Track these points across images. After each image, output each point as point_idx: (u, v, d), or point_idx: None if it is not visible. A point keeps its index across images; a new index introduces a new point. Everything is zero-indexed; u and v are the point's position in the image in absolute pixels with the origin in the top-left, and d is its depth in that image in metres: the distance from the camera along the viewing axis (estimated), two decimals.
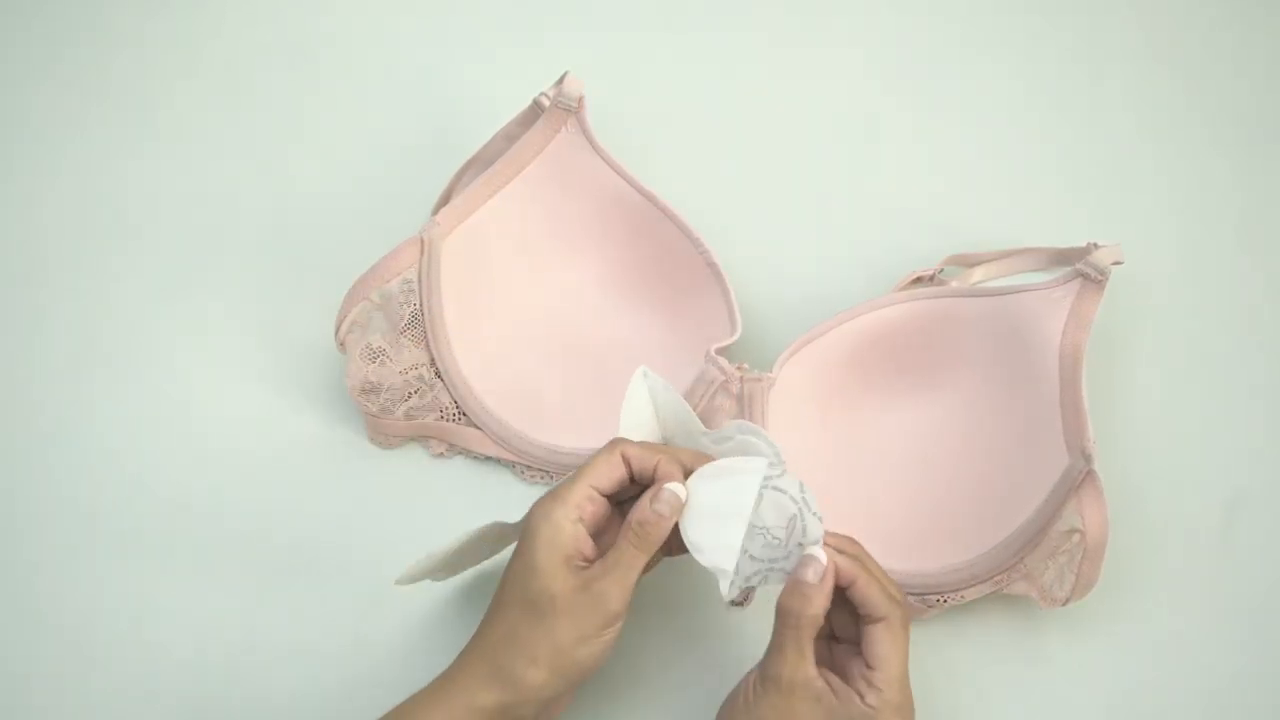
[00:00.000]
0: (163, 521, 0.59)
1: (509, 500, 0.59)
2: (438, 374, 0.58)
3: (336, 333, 0.56)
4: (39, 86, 0.70)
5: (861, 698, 0.46)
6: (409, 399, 0.58)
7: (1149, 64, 0.70)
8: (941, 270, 0.62)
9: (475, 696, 0.47)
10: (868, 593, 0.47)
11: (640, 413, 0.52)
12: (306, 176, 0.67)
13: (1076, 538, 0.51)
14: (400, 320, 0.56)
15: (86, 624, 0.57)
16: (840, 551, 0.48)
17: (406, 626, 0.56)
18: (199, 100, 0.69)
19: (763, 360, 0.56)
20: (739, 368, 0.55)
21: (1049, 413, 0.54)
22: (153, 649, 0.56)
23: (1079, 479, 0.51)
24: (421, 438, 0.60)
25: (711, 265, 0.57)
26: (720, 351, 0.55)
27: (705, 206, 0.61)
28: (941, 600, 0.54)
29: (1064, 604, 0.52)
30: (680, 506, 0.48)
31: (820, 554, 0.47)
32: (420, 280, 0.56)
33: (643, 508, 0.48)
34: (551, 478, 0.59)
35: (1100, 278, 0.54)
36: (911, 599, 0.55)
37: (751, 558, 0.48)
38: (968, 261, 0.62)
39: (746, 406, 0.55)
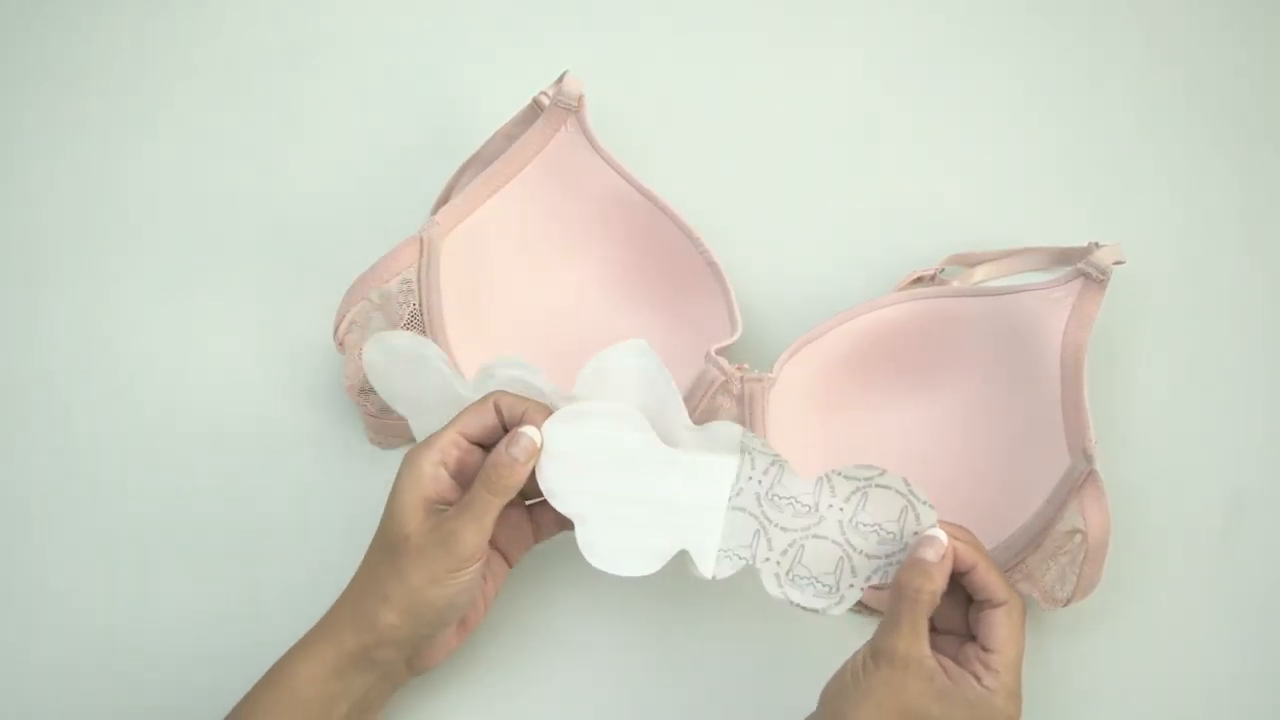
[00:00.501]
0: (161, 521, 0.59)
1: None
2: None
3: (335, 333, 0.56)
4: (39, 86, 0.70)
5: (978, 679, 0.46)
6: None
7: (1150, 63, 0.70)
8: (942, 270, 0.62)
9: (339, 641, 0.48)
10: (988, 578, 0.47)
11: (607, 381, 0.51)
12: (306, 176, 0.67)
13: (1078, 538, 0.51)
14: (400, 320, 0.56)
15: (85, 625, 0.56)
16: (957, 539, 0.48)
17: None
18: (199, 100, 0.69)
19: (763, 360, 0.56)
20: (739, 368, 0.55)
21: (1050, 413, 0.54)
22: (151, 650, 0.56)
23: (1080, 479, 0.51)
24: None
25: (712, 265, 0.57)
26: (720, 352, 0.55)
27: (705, 206, 0.61)
28: None
29: (1065, 604, 0.52)
30: (535, 450, 0.49)
31: (940, 534, 0.47)
32: (419, 280, 0.56)
33: (497, 451, 0.48)
34: None
35: (1101, 277, 0.54)
36: None
37: (867, 556, 0.49)
38: (969, 261, 0.62)
39: (747, 407, 0.55)
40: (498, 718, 0.55)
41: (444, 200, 0.62)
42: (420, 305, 0.56)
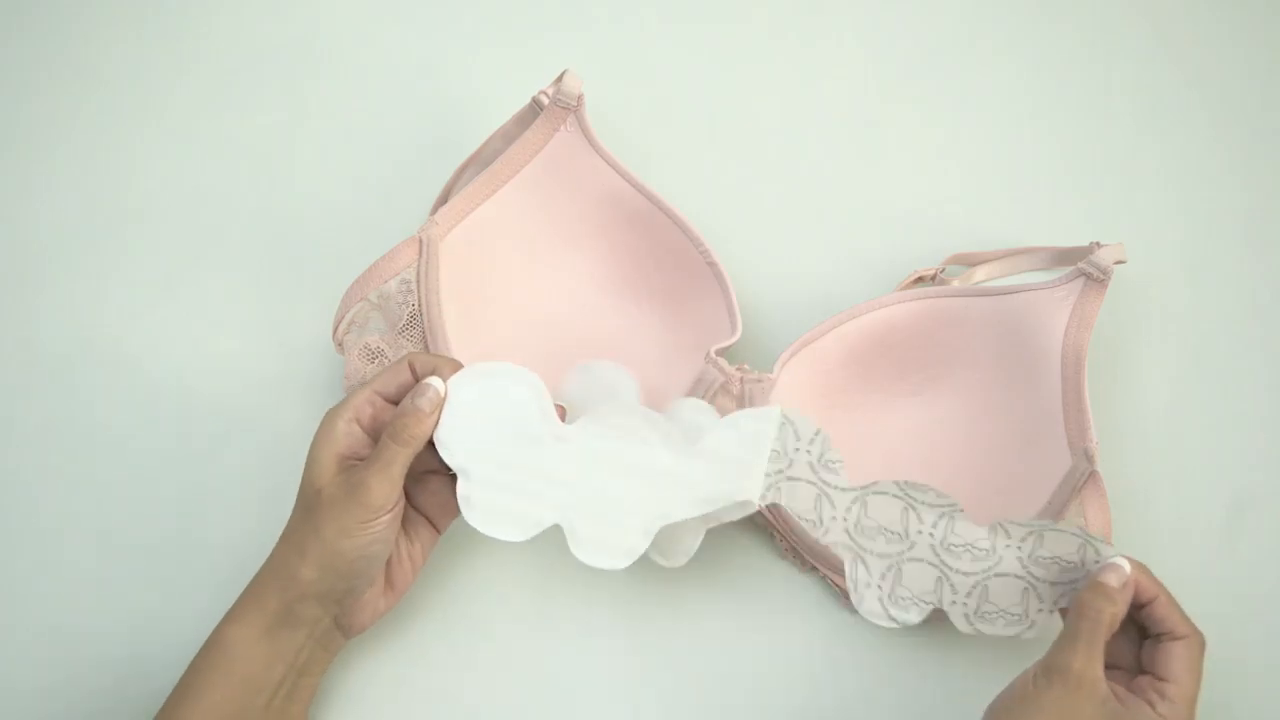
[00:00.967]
0: (160, 522, 0.59)
1: None
2: None
3: (334, 333, 0.56)
4: (39, 86, 0.69)
5: (1152, 706, 0.46)
6: None
7: (1152, 63, 0.69)
8: (944, 270, 0.62)
9: (262, 602, 0.49)
10: (1170, 612, 0.47)
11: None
12: (305, 176, 0.67)
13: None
14: (399, 320, 0.56)
15: (85, 625, 0.56)
16: (1139, 572, 0.48)
17: (407, 625, 0.56)
18: (198, 100, 0.69)
19: (763, 361, 0.56)
20: (739, 368, 0.55)
21: (1051, 413, 0.54)
22: (150, 653, 0.56)
23: (1082, 480, 0.51)
24: None
25: (712, 265, 0.57)
26: (720, 352, 0.55)
27: (705, 206, 0.61)
28: None
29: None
30: (439, 401, 0.50)
31: (1124, 562, 0.48)
32: (418, 280, 0.56)
33: (404, 402, 0.50)
34: None
35: (1103, 277, 0.54)
36: None
37: (1051, 584, 0.50)
38: (970, 261, 0.62)
39: (747, 407, 0.55)
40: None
41: (443, 200, 0.62)
42: (419, 306, 0.56)
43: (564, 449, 0.51)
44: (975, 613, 0.50)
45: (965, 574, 0.50)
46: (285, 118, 0.69)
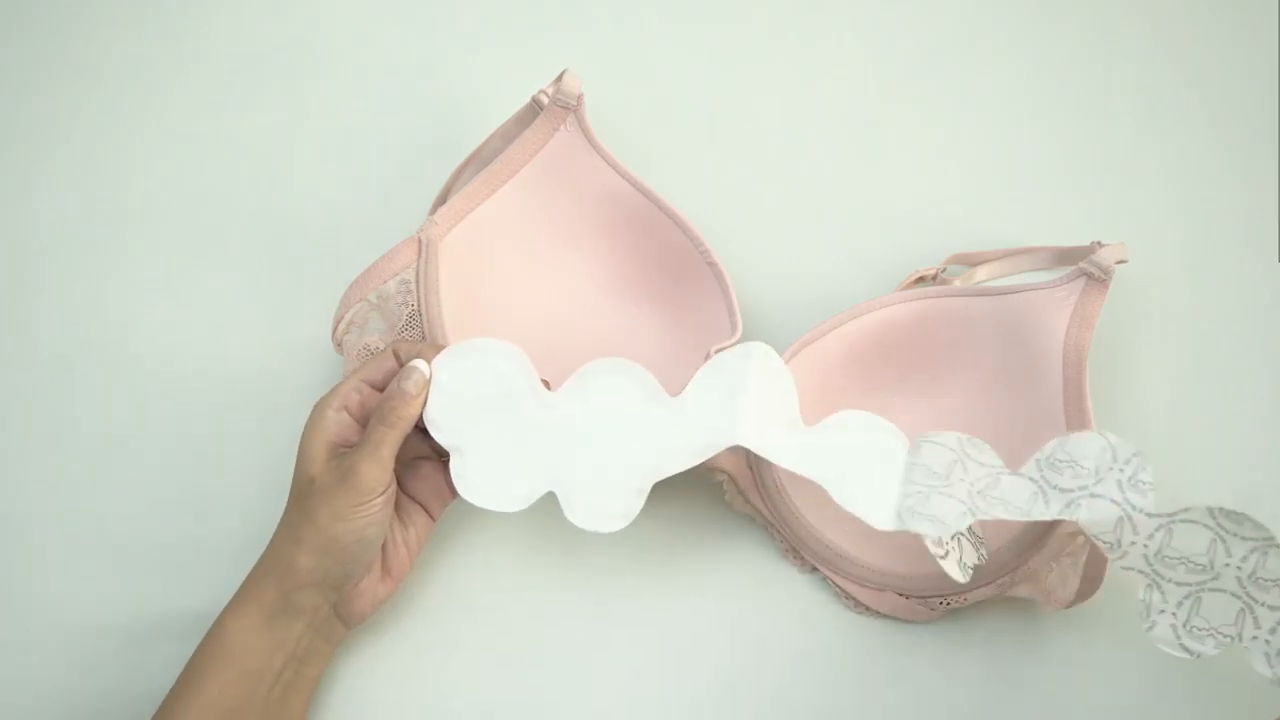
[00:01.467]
0: (159, 522, 0.58)
1: None
2: None
3: (333, 333, 0.56)
4: (39, 86, 0.69)
5: None
6: None
7: (1153, 62, 0.69)
8: (944, 269, 0.62)
9: (260, 592, 0.49)
10: None
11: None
12: (305, 176, 0.67)
13: (1081, 540, 0.51)
14: (398, 321, 0.56)
15: (85, 625, 0.56)
16: None
17: (408, 624, 0.56)
18: (198, 100, 0.69)
19: None
20: None
21: (1052, 413, 0.54)
22: (151, 650, 0.56)
23: None
24: None
25: (712, 265, 0.57)
26: (720, 352, 0.55)
27: (706, 206, 0.60)
28: (944, 603, 0.54)
29: (1068, 606, 0.52)
30: (425, 383, 0.51)
31: None
32: (418, 280, 0.55)
33: (390, 385, 0.51)
34: None
35: (1104, 277, 0.54)
36: (914, 601, 0.54)
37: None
38: (971, 260, 0.62)
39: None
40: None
41: (442, 200, 0.62)
42: (419, 306, 0.56)
43: (552, 416, 0.51)
44: (1277, 654, 0.47)
45: (1273, 608, 0.46)
46: (285, 118, 0.68)
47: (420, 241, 0.56)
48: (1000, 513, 0.49)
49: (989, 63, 0.70)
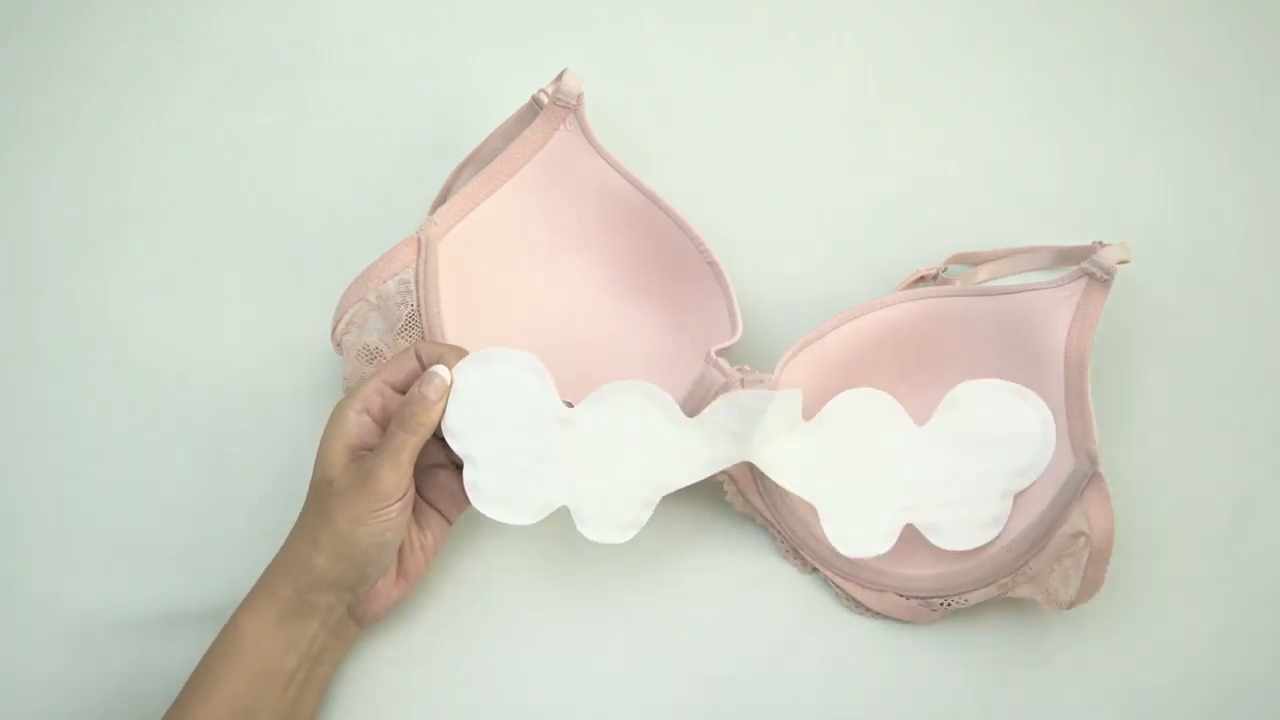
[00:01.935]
0: (160, 522, 0.58)
1: None
2: None
3: (333, 333, 0.56)
4: (39, 86, 0.69)
5: None
6: None
7: (1154, 61, 0.69)
8: (945, 269, 0.62)
9: (275, 591, 0.50)
10: None
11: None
12: (305, 175, 0.67)
13: (1082, 541, 0.51)
14: (398, 321, 0.56)
15: (84, 625, 0.56)
16: None
17: (407, 624, 0.56)
18: (198, 100, 0.69)
19: (764, 361, 0.56)
20: (740, 369, 0.55)
21: (1053, 413, 0.54)
22: (156, 650, 0.56)
23: (1084, 482, 0.50)
24: None
25: (712, 265, 0.57)
26: (721, 353, 0.55)
27: (706, 206, 0.60)
28: (945, 604, 0.54)
29: (1069, 607, 0.52)
30: (445, 389, 0.51)
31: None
32: (417, 280, 0.55)
33: (411, 390, 0.51)
34: None
35: (1105, 277, 0.54)
36: (915, 602, 0.54)
37: None
38: (972, 260, 0.62)
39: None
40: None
41: (441, 200, 0.62)
42: (418, 306, 0.56)
43: (569, 432, 0.51)
44: None
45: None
46: (285, 118, 0.68)
47: (420, 241, 0.55)
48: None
49: (989, 63, 0.70)
